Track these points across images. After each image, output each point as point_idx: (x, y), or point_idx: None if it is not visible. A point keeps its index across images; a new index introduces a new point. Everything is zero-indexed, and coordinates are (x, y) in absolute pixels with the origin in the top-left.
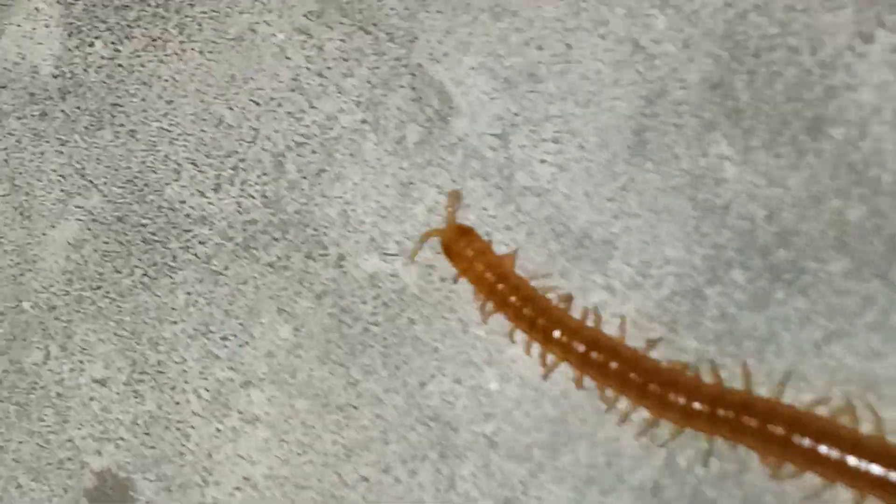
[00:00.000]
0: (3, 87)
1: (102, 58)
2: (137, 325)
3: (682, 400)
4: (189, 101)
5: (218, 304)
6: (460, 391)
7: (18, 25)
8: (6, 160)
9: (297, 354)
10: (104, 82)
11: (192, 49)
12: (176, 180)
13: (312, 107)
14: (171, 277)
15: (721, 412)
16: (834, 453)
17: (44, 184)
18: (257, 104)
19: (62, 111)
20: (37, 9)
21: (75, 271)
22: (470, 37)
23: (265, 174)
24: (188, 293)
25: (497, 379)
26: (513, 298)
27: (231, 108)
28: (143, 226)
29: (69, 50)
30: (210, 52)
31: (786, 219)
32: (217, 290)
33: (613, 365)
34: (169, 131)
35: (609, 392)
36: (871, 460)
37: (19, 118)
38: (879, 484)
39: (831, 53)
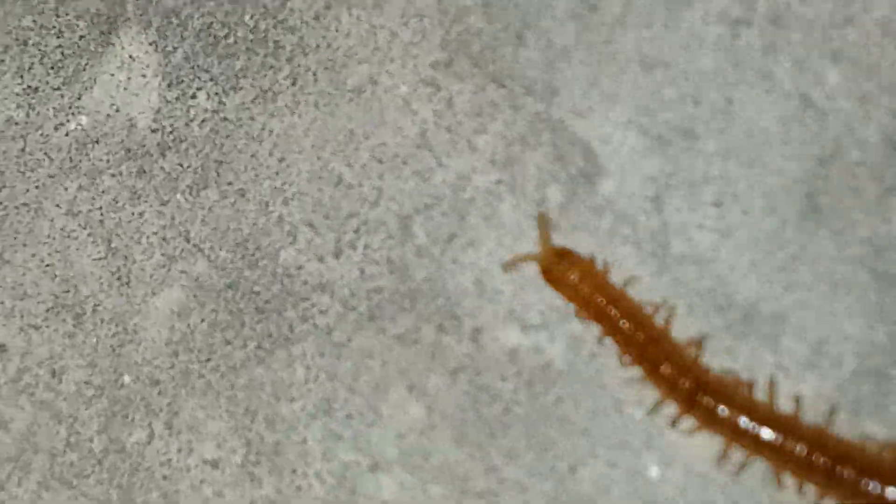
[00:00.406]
0: (96, 142)
1: (206, 111)
2: (252, 401)
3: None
4: (304, 158)
5: (341, 380)
6: (615, 477)
7: (111, 75)
8: (101, 221)
9: (429, 436)
10: (208, 137)
11: (307, 102)
12: (291, 244)
13: (441, 165)
14: (288, 350)
15: None
16: None
17: (143, 247)
18: (380, 162)
19: (162, 168)
20: (132, 57)
21: (181, 342)
22: (617, 90)
23: (391, 238)
24: (307, 367)
25: (657, 463)
26: (623, 323)
27: (351, 166)
28: (256, 293)
29: (169, 102)
30: (326, 104)
31: None
32: (340, 364)
33: (723, 410)
34: (282, 191)
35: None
36: None
37: (114, 175)
38: None
39: None
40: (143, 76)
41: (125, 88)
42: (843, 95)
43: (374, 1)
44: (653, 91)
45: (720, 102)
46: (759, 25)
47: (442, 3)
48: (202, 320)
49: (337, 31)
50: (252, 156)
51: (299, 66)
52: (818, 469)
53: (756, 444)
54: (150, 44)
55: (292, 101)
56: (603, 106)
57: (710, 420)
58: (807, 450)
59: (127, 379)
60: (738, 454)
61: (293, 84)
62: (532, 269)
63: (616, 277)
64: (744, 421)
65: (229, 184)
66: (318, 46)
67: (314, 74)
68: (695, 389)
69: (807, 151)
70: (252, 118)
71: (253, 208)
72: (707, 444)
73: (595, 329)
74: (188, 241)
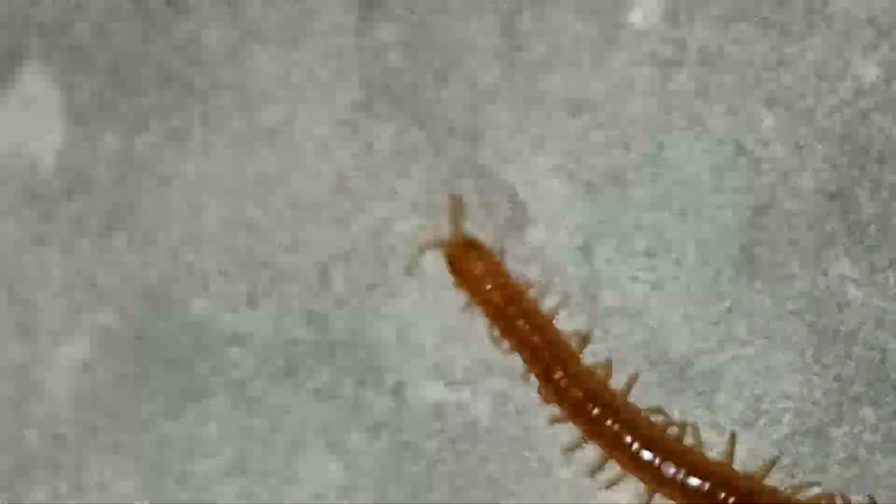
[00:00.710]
0: None
1: (114, 151)
2: (162, 459)
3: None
4: (216, 204)
5: (256, 437)
6: None
7: (12, 113)
8: (2, 268)
9: (349, 496)
10: (116, 180)
11: (219, 143)
12: (203, 293)
13: (361, 211)
14: (200, 405)
15: None
16: None
17: (48, 296)
18: (296, 207)
19: (67, 212)
20: (34, 95)
21: (87, 398)
22: (544, 134)
23: (308, 287)
24: (220, 423)
25: None
26: (522, 324)
27: (265, 212)
28: (166, 346)
29: (74, 142)
30: (240, 146)
31: None
32: (255, 420)
33: (609, 424)
34: (194, 237)
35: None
36: None
37: (17, 220)
38: None
39: None
40: (47, 114)
41: (28, 128)
42: (778, 142)
43: (291, 37)
44: (580, 136)
45: (651, 148)
46: (691, 68)
47: (361, 41)
48: (109, 374)
49: (251, 68)
50: (162, 200)
51: (212, 105)
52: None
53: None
54: (54, 80)
55: (204, 142)
56: (529, 150)
57: (595, 430)
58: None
59: (29, 435)
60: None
61: (205, 124)
62: (457, 320)
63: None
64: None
65: (138, 229)
66: (231, 85)
67: (227, 114)
68: (586, 399)
69: (741, 200)
70: (162, 160)
71: (163, 255)
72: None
73: (503, 345)
74: (94, 289)
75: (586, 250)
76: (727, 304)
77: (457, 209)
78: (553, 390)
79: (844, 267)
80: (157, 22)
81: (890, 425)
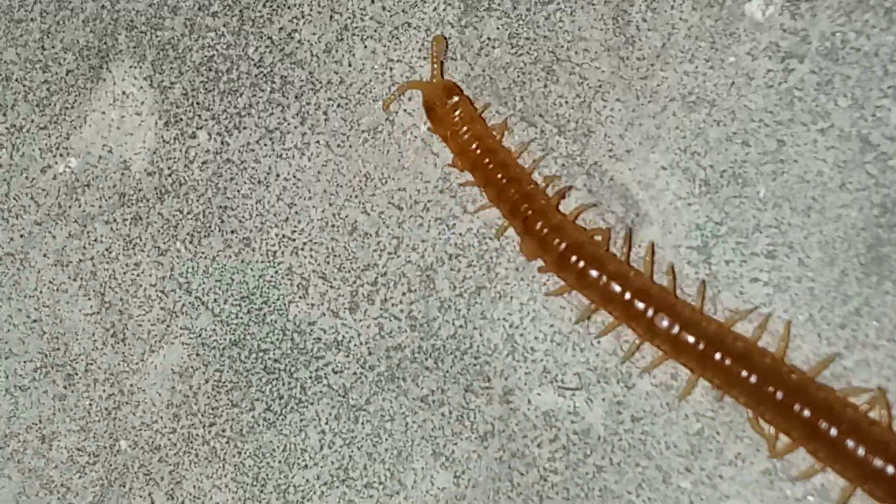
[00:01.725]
0: (87, 186)
1: (207, 152)
2: (261, 469)
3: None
4: (315, 204)
5: (359, 446)
6: None
7: (103, 113)
8: (93, 272)
9: None
10: (210, 180)
11: (318, 142)
12: (302, 298)
13: (467, 212)
14: (300, 413)
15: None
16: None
17: (140, 301)
18: (399, 208)
19: (160, 215)
20: (125, 93)
21: (182, 405)
22: (658, 130)
23: (411, 291)
24: (322, 432)
25: None
26: (498, 176)
27: (367, 213)
28: (264, 351)
29: (166, 142)
30: (339, 145)
31: None
32: (357, 428)
33: (594, 273)
34: (292, 239)
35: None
36: None
37: (107, 222)
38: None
39: None
40: (138, 114)
41: (118, 128)
42: None
43: (391, 32)
44: (697, 132)
45: (771, 144)
46: (813, 60)
47: (464, 35)
48: (206, 380)
49: (350, 65)
50: (258, 201)
51: (309, 103)
52: (684, 343)
53: (625, 311)
54: (145, 79)
55: (302, 141)
56: (643, 148)
57: (580, 283)
58: (671, 321)
59: (124, 445)
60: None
61: (302, 123)
62: (568, 324)
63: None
64: (618, 289)
65: (233, 232)
66: (329, 82)
67: (325, 113)
68: (567, 249)
69: (868, 197)
70: (258, 160)
71: (259, 258)
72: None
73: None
74: (189, 293)
75: (704, 251)
76: (854, 306)
77: (440, 53)
78: (534, 242)
79: None
80: (251, 17)
81: None
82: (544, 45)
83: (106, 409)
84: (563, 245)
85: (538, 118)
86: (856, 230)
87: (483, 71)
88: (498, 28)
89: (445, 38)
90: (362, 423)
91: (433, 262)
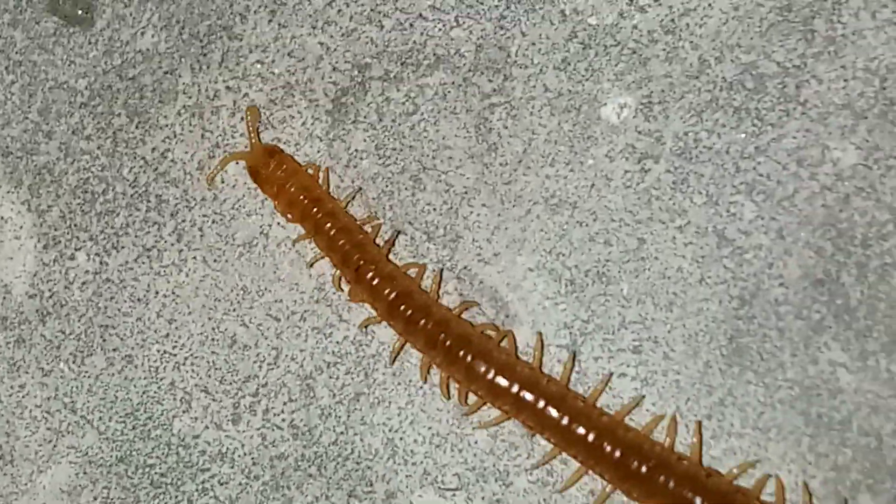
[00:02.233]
0: None
1: (87, 272)
2: None
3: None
4: (195, 319)
5: None
6: None
7: None
8: None
9: None
10: (91, 300)
11: (194, 258)
12: (186, 411)
13: (343, 320)
14: None
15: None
16: None
17: (27, 422)
18: (277, 319)
19: (42, 336)
20: (3, 218)
21: None
22: (524, 233)
23: (292, 400)
24: None
25: None
26: (327, 226)
27: (246, 326)
28: (150, 466)
29: (46, 265)
30: (215, 260)
31: None
32: None
33: (422, 322)
34: (173, 355)
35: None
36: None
37: None
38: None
39: None
40: (17, 238)
41: None
42: (761, 230)
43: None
44: (561, 233)
45: (632, 243)
46: (668, 159)
47: (333, 148)
48: (94, 498)
49: (223, 181)
50: (138, 319)
51: (184, 220)
52: (499, 387)
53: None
54: (23, 203)
55: (179, 258)
56: (509, 251)
57: (408, 330)
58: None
59: None
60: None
61: (179, 240)
62: (446, 426)
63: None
64: (441, 336)
65: (115, 350)
66: (203, 199)
67: (200, 229)
68: (398, 299)
69: (727, 291)
70: (136, 278)
71: (142, 375)
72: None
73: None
74: (74, 412)
75: (573, 349)
76: (718, 397)
77: (254, 122)
78: (365, 290)
79: (835, 353)
80: (124, 139)
81: None
82: (410, 155)
83: None
84: (393, 294)
85: (408, 226)
86: (716, 323)
87: (352, 182)
88: (365, 140)
89: (258, 108)
90: None
91: (312, 371)
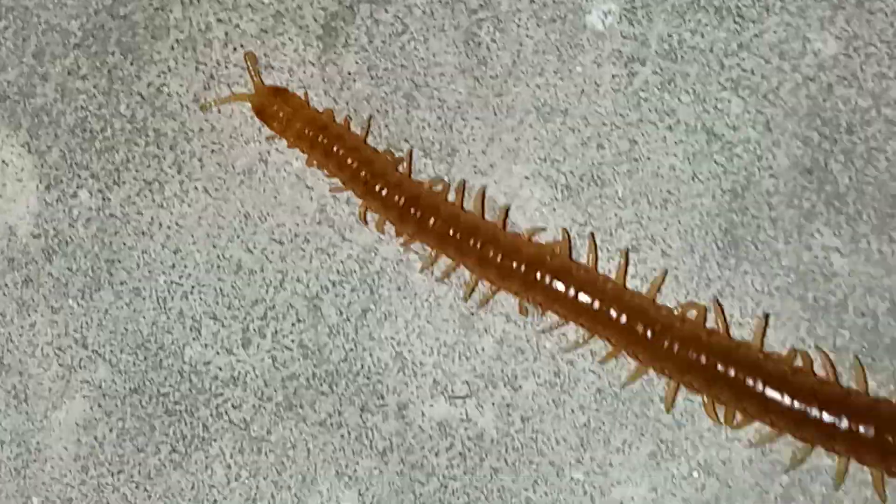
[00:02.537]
0: None
1: (90, 209)
2: None
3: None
4: (199, 248)
5: (264, 476)
6: None
7: None
8: None
9: None
10: (95, 236)
11: (196, 189)
12: (196, 339)
13: (346, 240)
14: (204, 451)
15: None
16: None
17: (39, 360)
18: (280, 243)
19: (50, 274)
20: (4, 161)
21: (90, 456)
22: (518, 143)
23: (300, 321)
24: (228, 466)
25: None
26: (336, 149)
27: (250, 251)
28: (164, 395)
29: (49, 205)
30: (217, 189)
31: None
32: (261, 459)
33: (432, 221)
34: (180, 284)
35: (428, 250)
36: None
37: (0, 289)
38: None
39: None
40: (19, 180)
41: (1, 196)
42: (748, 124)
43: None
44: (554, 140)
45: (624, 145)
46: (654, 62)
47: (326, 72)
48: (110, 430)
49: (220, 111)
50: (144, 251)
51: (184, 152)
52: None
53: (458, 253)
54: (23, 146)
55: (180, 189)
56: (505, 161)
57: (421, 231)
58: (503, 258)
59: (36, 501)
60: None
61: (179, 172)
62: (453, 336)
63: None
64: (450, 230)
65: (123, 283)
66: (201, 130)
67: (200, 160)
68: (407, 203)
69: (719, 185)
70: (139, 212)
71: (151, 306)
72: (654, 502)
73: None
74: (86, 347)
75: (572, 252)
76: (717, 289)
77: (253, 65)
78: (378, 202)
79: (827, 238)
80: (119, 76)
81: (888, 390)
82: (402, 74)
83: (15, 468)
84: (403, 199)
85: (404, 143)
86: (711, 217)
87: (347, 104)
88: (357, 62)
89: (253, 53)
90: (265, 454)
91: (318, 291)
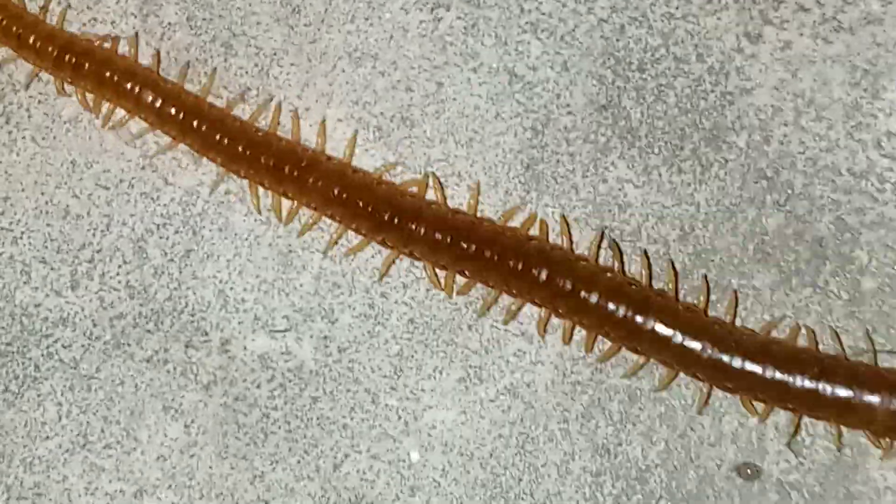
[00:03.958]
0: None
1: None
2: (6, 446)
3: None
4: (28, 195)
5: (94, 412)
6: (379, 467)
7: None
8: None
9: (192, 454)
10: None
11: (24, 138)
12: (26, 283)
13: (168, 184)
14: (36, 389)
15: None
16: None
17: None
18: (106, 188)
19: None
20: None
21: None
22: (331, 87)
23: (126, 263)
24: (59, 404)
25: (417, 448)
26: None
27: (77, 197)
28: None
29: None
30: (44, 138)
31: (700, 237)
32: (91, 395)
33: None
34: (10, 230)
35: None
36: None
37: None
38: None
39: (720, 59)
40: None
41: None
42: (547, 65)
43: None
44: (365, 84)
45: (431, 87)
46: (458, 7)
47: (147, 23)
48: None
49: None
50: None
51: (11, 103)
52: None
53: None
54: None
55: (9, 139)
56: (319, 105)
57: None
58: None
59: None
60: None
61: (7, 122)
62: (273, 273)
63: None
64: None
65: None
66: (28, 82)
67: (28, 110)
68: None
69: (520, 123)
70: None
71: None
72: (464, 424)
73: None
74: None
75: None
76: (520, 222)
77: None
78: (32, 53)
79: (622, 171)
80: None
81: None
82: (220, 24)
83: None
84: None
85: (223, 90)
86: (513, 153)
87: (168, 53)
88: (176, 13)
89: None
90: (95, 391)
91: (143, 234)
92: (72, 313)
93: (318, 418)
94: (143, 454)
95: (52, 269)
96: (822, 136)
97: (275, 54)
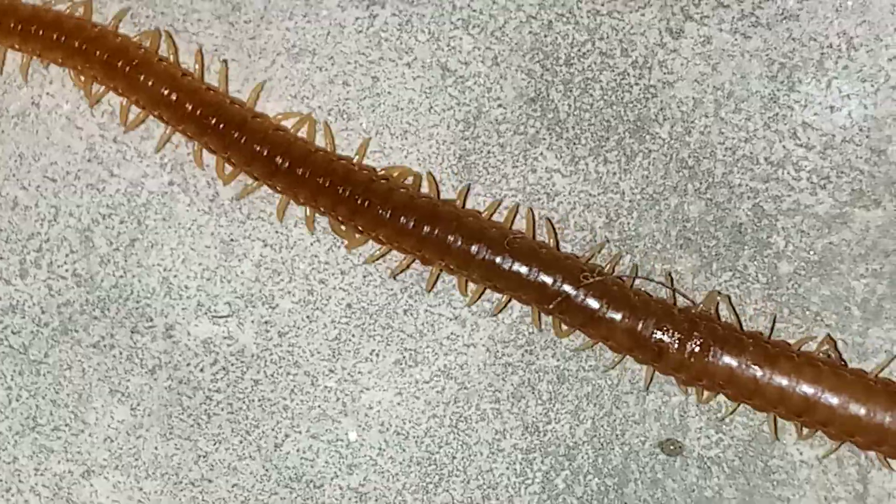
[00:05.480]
0: None
1: None
2: None
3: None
4: None
5: (43, 395)
6: (319, 447)
7: None
8: None
9: (137, 435)
10: None
11: None
12: None
13: (113, 175)
14: None
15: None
16: None
17: None
18: (53, 180)
19: None
20: None
21: None
22: (271, 82)
23: (73, 252)
24: (9, 388)
25: (355, 428)
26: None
27: (25, 189)
28: None
29: None
30: None
31: (625, 224)
32: (40, 380)
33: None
34: None
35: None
36: None
37: None
38: None
39: (643, 53)
40: None
41: None
42: (478, 60)
43: None
44: (304, 79)
45: (367, 81)
46: (392, 4)
47: (90, 19)
48: None
49: None
50: None
51: None
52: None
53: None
54: None
55: None
56: (259, 99)
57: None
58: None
59: None
60: None
61: None
62: (215, 261)
63: None
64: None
65: None
66: None
67: None
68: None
69: (453, 116)
70: None
71: None
72: (400, 405)
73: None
74: None
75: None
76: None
77: None
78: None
79: (550, 161)
80: None
81: None
82: (163, 21)
83: None
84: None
85: None
86: (446, 145)
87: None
88: (119, 6)
89: None
90: (44, 375)
91: (90, 224)
92: (21, 301)
93: (259, 400)
94: (91, 436)
95: (0, 258)
96: (740, 127)
97: (216, 50)
